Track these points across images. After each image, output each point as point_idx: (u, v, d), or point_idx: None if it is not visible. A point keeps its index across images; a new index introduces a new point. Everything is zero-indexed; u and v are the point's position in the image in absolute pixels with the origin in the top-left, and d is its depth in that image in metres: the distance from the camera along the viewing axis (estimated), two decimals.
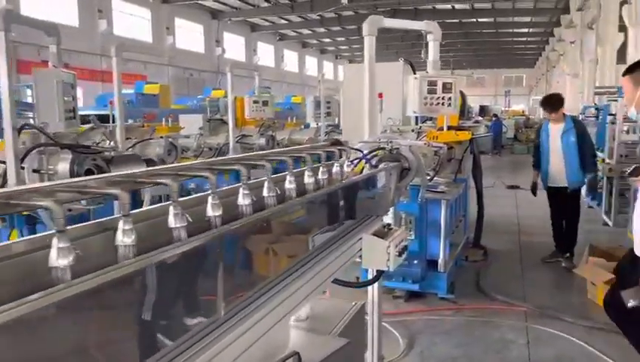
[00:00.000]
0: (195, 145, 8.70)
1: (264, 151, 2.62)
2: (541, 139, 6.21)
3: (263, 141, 8.42)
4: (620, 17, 16.33)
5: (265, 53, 34.81)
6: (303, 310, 2.39)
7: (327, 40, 36.50)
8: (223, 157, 2.34)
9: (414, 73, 5.43)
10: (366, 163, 3.81)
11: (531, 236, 7.27)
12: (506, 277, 5.52)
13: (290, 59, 38.51)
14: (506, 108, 31.96)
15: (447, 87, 4.96)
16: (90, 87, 19.30)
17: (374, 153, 4.46)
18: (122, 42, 8.25)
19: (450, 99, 4.98)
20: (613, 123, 8.09)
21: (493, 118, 22.31)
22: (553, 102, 6.07)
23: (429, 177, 5.49)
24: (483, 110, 28.05)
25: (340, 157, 2.75)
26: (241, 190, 1.47)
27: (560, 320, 4.33)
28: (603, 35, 17.82)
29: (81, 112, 4.51)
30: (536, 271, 5.71)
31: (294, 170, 1.83)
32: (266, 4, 27.24)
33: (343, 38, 35.72)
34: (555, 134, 5.95)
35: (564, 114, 6.09)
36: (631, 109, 3.07)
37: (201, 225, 1.28)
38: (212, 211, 1.32)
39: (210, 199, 1.33)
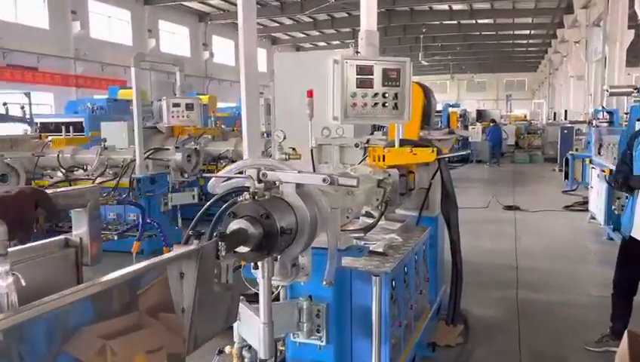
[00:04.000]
0: (97, 161, 6.69)
1: None
2: (636, 155, 3.85)
3: (179, 156, 6.38)
4: (630, 16, 14.43)
5: (258, 57, 33.53)
6: None
7: (322, 43, 34.62)
8: None
9: None
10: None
11: (535, 291, 5.19)
12: None
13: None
14: (507, 113, 29.73)
15: (390, 78, 2.93)
16: (61, 92, 18.22)
17: (229, 202, 2.44)
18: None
19: (396, 96, 2.97)
20: None
21: (491, 124, 20.19)
22: None
23: (371, 220, 3.47)
24: (481, 115, 26.10)
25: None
26: None
27: None
28: (611, 33, 15.86)
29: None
30: None
31: None
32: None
33: (337, 42, 33.87)
34: None
35: None
36: None
37: None
38: None
39: None
